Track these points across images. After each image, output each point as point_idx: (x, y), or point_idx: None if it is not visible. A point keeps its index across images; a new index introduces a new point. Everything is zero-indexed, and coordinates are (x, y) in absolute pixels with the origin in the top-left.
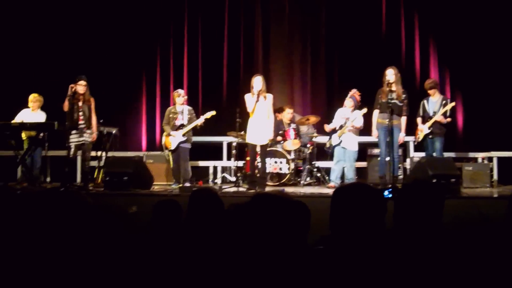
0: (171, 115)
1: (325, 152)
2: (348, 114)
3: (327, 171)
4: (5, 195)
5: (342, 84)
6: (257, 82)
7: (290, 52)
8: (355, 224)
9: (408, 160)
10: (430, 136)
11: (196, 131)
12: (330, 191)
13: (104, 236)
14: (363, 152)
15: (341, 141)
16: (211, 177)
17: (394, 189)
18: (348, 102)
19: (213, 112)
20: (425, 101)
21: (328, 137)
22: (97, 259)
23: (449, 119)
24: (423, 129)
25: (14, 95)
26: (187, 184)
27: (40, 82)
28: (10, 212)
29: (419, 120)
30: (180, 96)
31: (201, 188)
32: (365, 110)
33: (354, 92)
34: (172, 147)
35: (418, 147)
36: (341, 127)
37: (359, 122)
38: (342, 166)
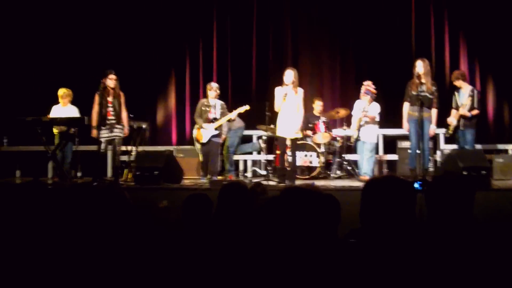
0: (203, 108)
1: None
2: (367, 107)
3: (358, 164)
4: (37, 189)
5: (372, 77)
6: (289, 76)
7: (319, 45)
8: (386, 216)
9: (438, 152)
10: (461, 128)
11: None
12: (360, 184)
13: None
14: (393, 144)
15: (358, 136)
16: (240, 171)
17: (425, 181)
18: (364, 97)
19: (247, 107)
20: (456, 93)
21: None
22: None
23: (475, 112)
24: (452, 122)
25: (45, 90)
26: (216, 178)
27: (70, 76)
28: (42, 207)
29: (453, 112)
30: (212, 90)
31: (232, 182)
32: (378, 107)
33: (367, 85)
34: (204, 140)
35: (449, 139)
36: (360, 121)
37: (373, 112)
38: (363, 158)
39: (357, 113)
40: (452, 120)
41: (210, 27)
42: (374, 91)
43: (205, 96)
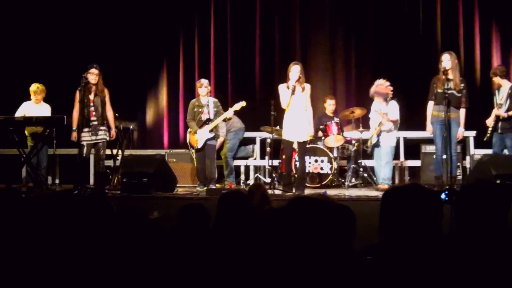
0: (195, 109)
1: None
2: (382, 108)
3: (375, 171)
4: (10, 198)
5: (392, 73)
6: (294, 72)
7: (332, 35)
8: (408, 231)
9: (468, 158)
10: (499, 132)
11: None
12: (379, 194)
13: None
14: (416, 149)
15: (378, 140)
16: (242, 177)
17: (452, 191)
18: (377, 98)
19: (243, 103)
20: (496, 91)
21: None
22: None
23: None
24: (489, 124)
25: (15, 86)
26: (214, 186)
27: (43, 71)
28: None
29: (494, 112)
30: (202, 87)
31: (231, 190)
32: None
33: (377, 85)
34: (199, 145)
35: (482, 143)
36: (379, 124)
37: (394, 115)
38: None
39: (375, 116)
40: (489, 122)
41: (207, 11)
42: (386, 90)
43: (195, 95)
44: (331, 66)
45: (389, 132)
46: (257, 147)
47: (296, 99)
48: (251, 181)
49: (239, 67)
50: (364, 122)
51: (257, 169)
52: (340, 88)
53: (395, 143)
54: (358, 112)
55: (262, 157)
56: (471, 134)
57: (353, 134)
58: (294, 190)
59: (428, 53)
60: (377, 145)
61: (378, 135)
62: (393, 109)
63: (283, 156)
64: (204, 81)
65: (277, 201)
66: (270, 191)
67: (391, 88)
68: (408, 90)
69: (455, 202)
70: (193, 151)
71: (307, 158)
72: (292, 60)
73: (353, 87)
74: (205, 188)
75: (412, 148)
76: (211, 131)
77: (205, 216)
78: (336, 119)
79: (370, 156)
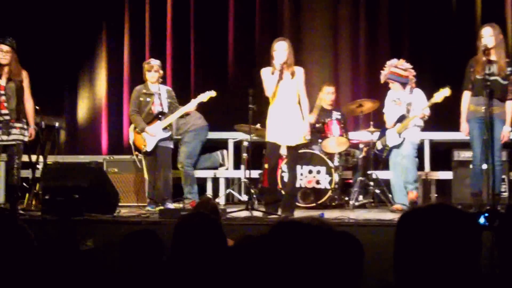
0: (142, 98)
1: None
2: (406, 98)
3: (392, 185)
4: None
5: (414, 53)
6: (280, 50)
7: (334, 4)
8: (433, 267)
9: None
10: None
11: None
12: (395, 217)
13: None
14: (446, 156)
15: (404, 140)
16: (209, 194)
17: (494, 213)
18: (392, 84)
19: (212, 93)
20: None
21: (380, 134)
22: None
23: None
24: None
25: None
26: (170, 206)
27: None
28: None
29: None
30: (152, 70)
31: (194, 212)
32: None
33: (392, 67)
34: (149, 147)
35: None
36: (401, 118)
37: (425, 109)
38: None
39: (392, 109)
40: None
41: None
42: (405, 73)
43: (143, 80)
44: (332, 43)
45: (412, 129)
46: (229, 153)
47: (284, 88)
48: (220, 199)
49: (206, 42)
50: (377, 119)
51: (229, 183)
52: (344, 73)
53: (418, 140)
54: (368, 105)
55: (237, 166)
56: None
57: (361, 135)
58: (280, 212)
59: (463, 26)
60: (397, 147)
61: (400, 134)
62: (422, 100)
63: (266, 166)
64: (155, 62)
65: (257, 226)
66: (247, 213)
67: (413, 71)
68: (436, 77)
69: (498, 228)
70: (140, 156)
71: (298, 168)
72: (278, 36)
73: (362, 72)
74: (158, 208)
75: (441, 155)
76: (165, 128)
77: (157, 246)
78: (338, 114)
79: (384, 166)
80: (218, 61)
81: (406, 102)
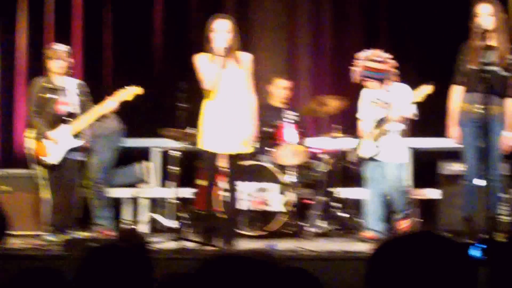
0: (43, 94)
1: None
2: (384, 96)
3: (365, 208)
4: None
5: (395, 37)
6: (221, 31)
7: None
8: None
9: None
10: None
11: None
12: (367, 248)
13: None
14: (431, 169)
15: (378, 150)
16: (127, 220)
17: (492, 243)
18: (369, 83)
19: (138, 90)
20: None
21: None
22: None
23: None
24: None
25: None
26: (77, 235)
27: None
28: None
29: None
30: (58, 58)
31: (107, 243)
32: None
33: (363, 59)
34: (51, 159)
35: None
36: (380, 123)
37: (411, 108)
38: (383, 196)
39: (368, 112)
40: None
41: None
42: (382, 66)
43: (47, 72)
44: (287, 23)
45: (396, 138)
46: (152, 165)
47: (227, 81)
48: (143, 226)
49: (126, 24)
50: (346, 122)
51: (153, 204)
52: (303, 63)
53: (407, 156)
54: (334, 104)
55: (163, 183)
56: None
57: (324, 142)
58: (217, 242)
59: (455, 3)
60: (373, 160)
61: (376, 143)
62: (404, 97)
63: (201, 182)
64: (60, 48)
65: (189, 261)
66: (176, 244)
67: (394, 62)
68: (421, 68)
69: (496, 262)
70: (41, 169)
71: (244, 184)
72: (218, 12)
73: (326, 62)
74: (61, 237)
75: (424, 169)
76: (76, 135)
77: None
78: (293, 115)
79: (355, 181)
80: (141, 48)
81: (385, 102)
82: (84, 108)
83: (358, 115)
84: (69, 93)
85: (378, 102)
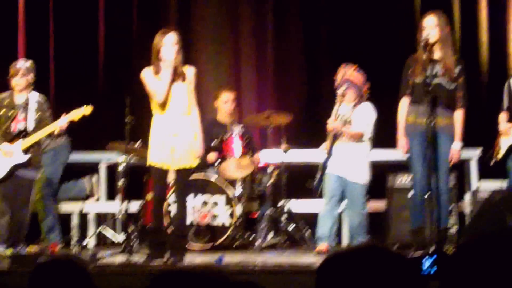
0: (2, 111)
1: (308, 184)
2: (346, 111)
3: (310, 220)
4: None
5: (335, 48)
6: (170, 44)
7: None
8: None
9: (467, 196)
10: None
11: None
12: (316, 261)
13: None
14: (380, 181)
15: (325, 165)
16: (75, 234)
17: (441, 256)
18: (348, 95)
19: (88, 109)
20: (511, 82)
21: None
22: None
23: None
24: (508, 134)
25: None
26: (22, 250)
27: None
28: None
29: (502, 118)
30: (18, 75)
31: (55, 258)
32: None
33: (348, 71)
34: (1, 174)
35: (491, 170)
36: (335, 137)
37: (359, 124)
38: (337, 209)
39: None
40: (504, 130)
41: None
42: (362, 80)
43: (6, 86)
44: (231, 35)
45: (357, 154)
46: (100, 179)
47: (174, 94)
48: (89, 241)
49: (69, 36)
50: (293, 132)
51: (100, 219)
52: (248, 75)
53: (367, 176)
54: (277, 119)
55: (110, 197)
56: (473, 154)
57: (269, 155)
58: (166, 257)
59: (400, 15)
60: (330, 173)
61: (330, 153)
62: (364, 115)
63: (149, 196)
64: (22, 65)
65: (136, 276)
66: (123, 259)
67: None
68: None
69: (446, 276)
70: None
71: (190, 198)
72: (162, 25)
73: (269, 75)
74: (9, 252)
75: (372, 181)
76: (26, 150)
77: None
78: (239, 128)
79: (302, 193)
80: (85, 61)
81: (344, 119)
82: (39, 123)
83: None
84: (27, 110)
85: (343, 117)
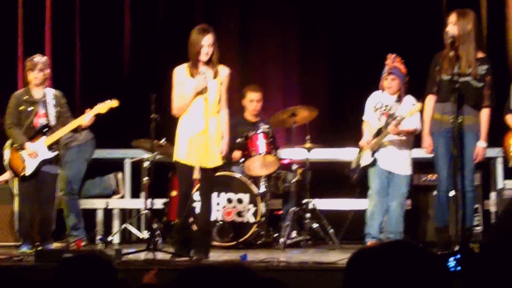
0: (21, 107)
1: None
2: (389, 102)
3: (334, 218)
4: None
5: (364, 47)
6: (208, 44)
7: None
8: None
9: (492, 195)
10: None
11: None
12: (340, 258)
13: None
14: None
15: (374, 160)
16: (99, 231)
17: (466, 253)
18: (389, 81)
19: (114, 103)
20: None
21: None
22: None
23: None
24: None
25: None
26: (50, 246)
27: None
28: None
29: (509, 119)
30: (36, 69)
31: (81, 254)
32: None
33: (394, 59)
34: (28, 171)
35: None
36: (378, 132)
37: (414, 122)
38: (385, 204)
39: (374, 119)
40: None
41: None
42: (405, 70)
43: (26, 84)
44: (256, 37)
45: (402, 147)
46: (125, 176)
47: (207, 93)
48: (114, 237)
49: (95, 32)
50: (315, 131)
51: (125, 215)
52: (272, 75)
53: (410, 169)
54: (303, 114)
55: (135, 194)
56: (499, 154)
57: (294, 153)
58: (191, 254)
59: (427, 11)
60: (373, 168)
61: (374, 152)
62: (412, 110)
63: (173, 193)
64: (40, 60)
65: (161, 272)
66: (148, 255)
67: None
68: None
69: (471, 273)
70: (16, 181)
71: (214, 195)
72: (191, 23)
73: (294, 74)
74: (34, 249)
75: None
76: (51, 147)
77: None
78: (265, 127)
79: (326, 191)
80: (110, 57)
81: (389, 113)
82: (59, 118)
83: (364, 117)
84: (46, 105)
85: (383, 108)
